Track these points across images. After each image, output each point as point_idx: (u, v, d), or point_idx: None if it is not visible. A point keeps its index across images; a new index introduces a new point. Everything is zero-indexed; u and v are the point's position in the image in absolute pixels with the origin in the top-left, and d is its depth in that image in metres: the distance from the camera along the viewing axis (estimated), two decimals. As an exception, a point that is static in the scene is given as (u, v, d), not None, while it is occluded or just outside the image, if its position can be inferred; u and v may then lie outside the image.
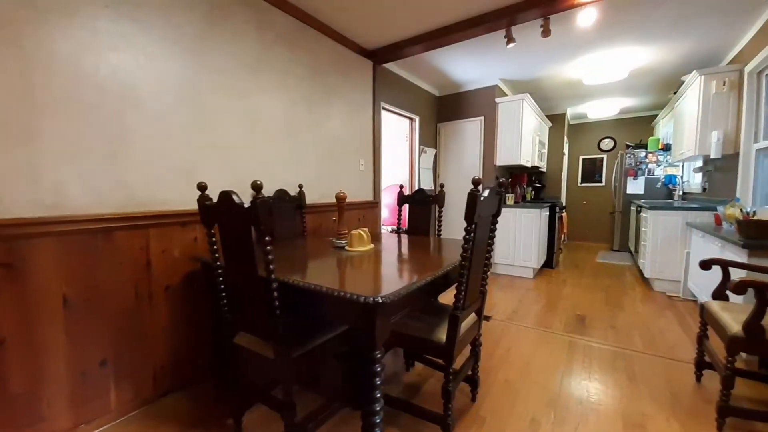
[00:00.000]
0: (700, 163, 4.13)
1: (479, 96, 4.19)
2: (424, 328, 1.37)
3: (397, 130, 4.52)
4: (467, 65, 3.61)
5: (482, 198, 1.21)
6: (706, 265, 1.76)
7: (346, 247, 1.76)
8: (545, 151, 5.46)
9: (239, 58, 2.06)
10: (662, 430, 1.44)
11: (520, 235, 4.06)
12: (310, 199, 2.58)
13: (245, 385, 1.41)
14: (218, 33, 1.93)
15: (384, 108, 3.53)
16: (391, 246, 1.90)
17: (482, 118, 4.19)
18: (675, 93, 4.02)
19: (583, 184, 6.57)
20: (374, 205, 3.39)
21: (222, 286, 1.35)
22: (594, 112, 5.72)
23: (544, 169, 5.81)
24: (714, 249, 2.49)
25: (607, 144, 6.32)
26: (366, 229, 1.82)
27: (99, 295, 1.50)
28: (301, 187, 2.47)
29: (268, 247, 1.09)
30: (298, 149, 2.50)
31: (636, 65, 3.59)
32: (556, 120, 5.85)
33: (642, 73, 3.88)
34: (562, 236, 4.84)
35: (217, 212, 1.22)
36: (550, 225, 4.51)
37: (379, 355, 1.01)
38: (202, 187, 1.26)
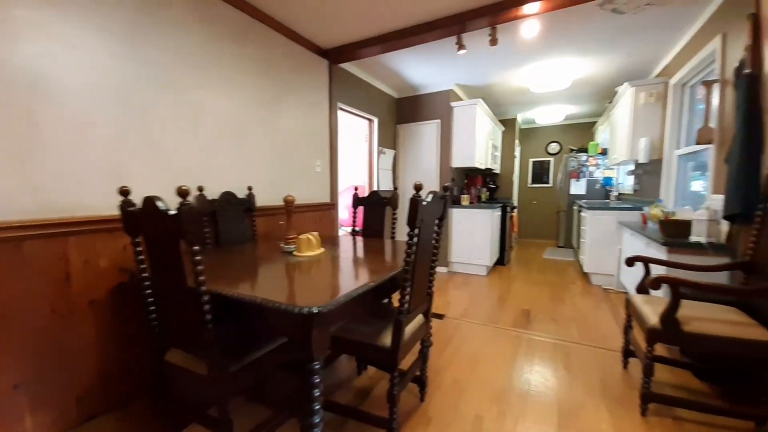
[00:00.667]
0: (631, 167, 4.56)
1: (436, 99, 4.29)
2: (370, 332, 1.36)
3: (356, 131, 4.49)
4: (424, 69, 3.67)
5: (425, 203, 1.22)
6: (630, 262, 1.93)
7: (294, 253, 1.71)
8: (498, 154, 5.72)
9: (179, 50, 1.92)
10: (593, 417, 1.56)
11: (474, 234, 4.22)
12: (261, 202, 2.48)
13: (180, 404, 1.32)
14: (153, 23, 1.78)
15: (341, 108, 3.49)
16: (341, 249, 1.88)
17: (439, 120, 4.29)
18: (610, 102, 4.39)
19: (533, 185, 6.98)
20: (331, 206, 3.34)
21: (150, 299, 1.25)
22: (542, 118, 6.09)
23: (498, 171, 6.09)
24: (640, 246, 2.76)
25: (553, 148, 6.77)
26: (316, 233, 1.78)
27: (8, 312, 1.32)
28: (250, 189, 2.36)
29: (197, 257, 1.02)
30: (248, 149, 2.39)
31: (577, 75, 3.86)
32: (508, 124, 6.15)
33: (583, 83, 4.19)
34: (513, 234, 5.11)
35: (141, 219, 1.12)
36: (502, 224, 4.74)
37: (317, 367, 0.99)
38: (124, 192, 1.16)
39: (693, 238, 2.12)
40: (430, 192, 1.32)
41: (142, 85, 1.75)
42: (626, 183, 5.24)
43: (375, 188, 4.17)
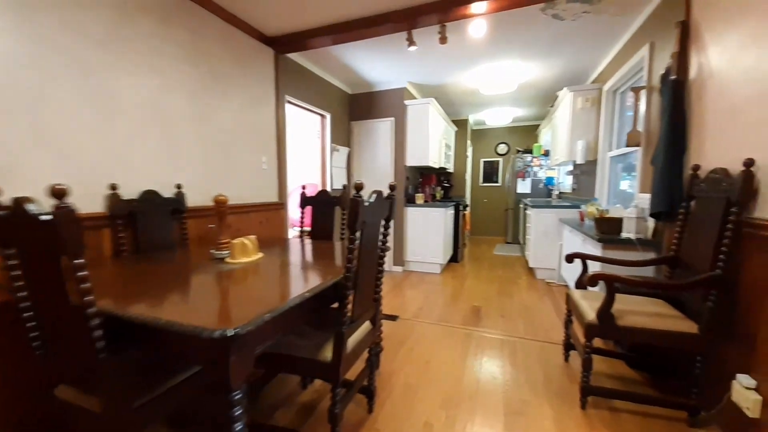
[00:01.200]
0: (570, 168, 4.88)
1: (390, 97, 4.23)
2: (309, 346, 1.24)
3: (308, 126, 4.29)
4: (377, 65, 3.58)
5: (367, 203, 1.13)
6: (569, 258, 2.01)
7: (227, 259, 1.52)
8: (451, 153, 5.83)
9: (83, 25, 1.62)
10: (537, 414, 1.58)
11: (429, 233, 4.23)
12: (194, 202, 2.21)
13: (76, 447, 1.09)
14: (43, -14, 1.48)
15: (290, 102, 3.28)
16: (283, 254, 1.72)
17: (393, 118, 4.23)
18: (552, 106, 4.66)
19: (484, 184, 7.25)
20: (279, 206, 3.12)
21: (31, 324, 1.01)
22: (491, 120, 6.32)
23: (452, 170, 6.22)
24: (579, 242, 2.93)
25: (502, 149, 7.08)
26: (253, 237, 1.60)
27: None
28: (179, 187, 2.10)
29: (81, 273, 0.82)
30: (178, 143, 2.11)
31: (523, 79, 4.03)
32: (460, 125, 6.30)
33: (528, 87, 4.38)
34: (466, 232, 5.24)
35: (11, 226, 0.89)
36: (456, 223, 4.83)
37: (238, 397, 0.84)
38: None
39: (624, 235, 2.27)
40: (374, 191, 1.22)
41: (35, 63, 1.44)
42: (566, 182, 5.62)
43: (329, 187, 4.00)
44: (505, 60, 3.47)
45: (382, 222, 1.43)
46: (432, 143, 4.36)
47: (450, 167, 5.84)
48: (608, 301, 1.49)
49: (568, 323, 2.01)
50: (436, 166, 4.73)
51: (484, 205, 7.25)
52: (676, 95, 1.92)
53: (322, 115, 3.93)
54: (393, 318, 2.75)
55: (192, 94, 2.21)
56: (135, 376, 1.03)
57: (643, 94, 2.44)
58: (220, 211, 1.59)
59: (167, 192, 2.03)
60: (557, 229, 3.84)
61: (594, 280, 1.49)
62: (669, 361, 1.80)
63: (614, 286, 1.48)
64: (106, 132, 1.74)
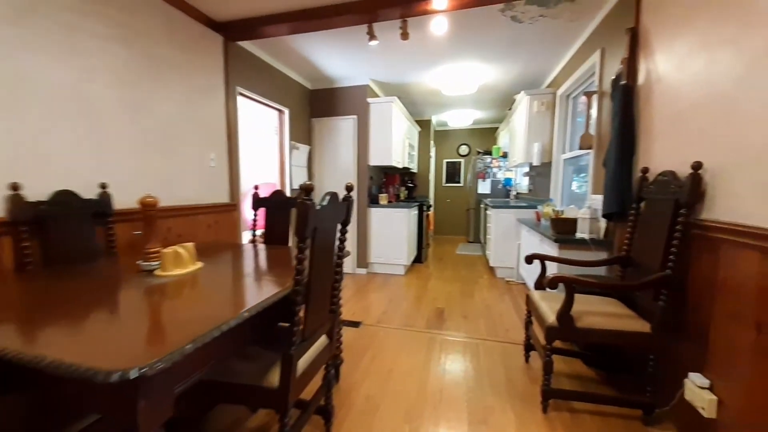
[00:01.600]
0: (527, 169, 5.06)
1: (352, 94, 4.09)
2: (253, 371, 1.08)
3: (265, 122, 4.03)
4: (339, 60, 3.43)
5: (318, 207, 1.00)
6: (528, 259, 2.01)
7: (157, 272, 1.31)
8: (415, 153, 5.82)
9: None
10: (500, 422, 1.54)
11: (393, 234, 4.16)
12: (125, 203, 1.93)
13: None
14: None
15: (243, 94, 3.03)
16: (228, 262, 1.53)
17: (356, 116, 4.10)
18: (510, 109, 4.79)
19: (447, 185, 7.35)
20: (231, 207, 2.87)
21: None
22: (453, 121, 6.41)
23: (415, 170, 6.22)
24: (536, 242, 3.00)
25: (463, 150, 7.22)
26: (190, 245, 1.40)
27: None
28: (105, 187, 1.81)
29: None
30: (102, 136, 1.82)
31: (482, 81, 4.08)
32: (423, 125, 6.32)
33: (487, 89, 4.46)
34: (430, 232, 5.24)
35: None
36: (419, 223, 4.81)
37: (151, 450, 0.68)
38: None
39: (579, 235, 2.33)
40: (327, 193, 1.09)
41: None
42: (523, 183, 5.83)
43: (288, 187, 3.78)
44: (465, 61, 3.48)
45: (339, 227, 1.30)
46: (395, 143, 4.29)
47: (414, 167, 5.83)
48: (567, 303, 1.49)
49: (528, 324, 2.02)
50: (400, 166, 4.68)
51: (447, 205, 7.35)
52: (625, 100, 1.99)
53: (279, 110, 3.70)
54: (355, 324, 2.63)
55: (123, 79, 1.92)
56: (18, 426, 0.82)
57: (595, 99, 2.53)
58: (147, 216, 1.37)
59: (90, 193, 1.75)
60: (516, 228, 3.94)
61: (554, 282, 1.48)
62: (623, 358, 1.86)
63: (573, 288, 1.47)
64: (13, 121, 1.44)
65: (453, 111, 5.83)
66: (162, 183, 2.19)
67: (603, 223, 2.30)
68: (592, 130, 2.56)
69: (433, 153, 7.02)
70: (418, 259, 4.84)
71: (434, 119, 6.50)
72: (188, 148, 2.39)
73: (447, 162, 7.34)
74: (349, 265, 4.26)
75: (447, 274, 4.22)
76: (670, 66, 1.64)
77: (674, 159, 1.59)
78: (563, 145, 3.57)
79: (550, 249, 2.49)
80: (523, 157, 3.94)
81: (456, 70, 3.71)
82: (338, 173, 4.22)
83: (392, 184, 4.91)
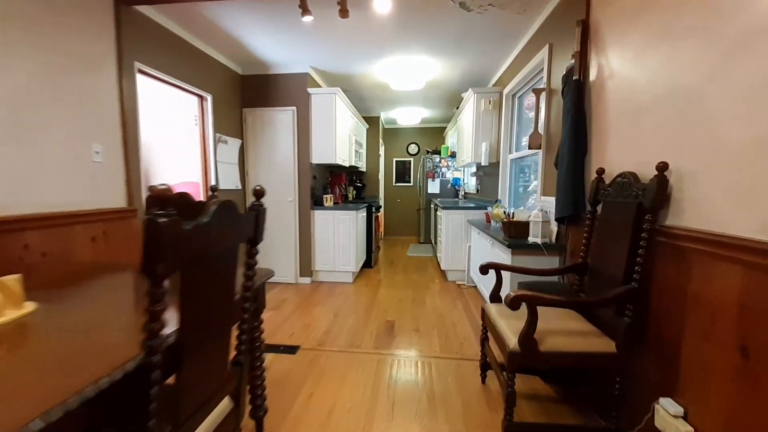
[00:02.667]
0: (474, 169, 5.04)
1: (290, 82, 3.65)
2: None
3: (187, 110, 3.45)
4: (272, 42, 2.99)
5: (189, 227, 0.64)
6: (483, 270, 1.82)
7: (-56, 324, 0.84)
8: (363, 151, 5.53)
9: None
10: (458, 466, 1.30)
11: (339, 238, 3.81)
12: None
13: None
14: None
15: (146, 73, 2.46)
16: (85, 301, 1.08)
17: (295, 108, 3.67)
18: (457, 108, 4.71)
19: (397, 184, 7.18)
20: (128, 214, 2.30)
21: None
22: (402, 119, 6.24)
23: (364, 169, 5.92)
24: (487, 245, 2.88)
25: (413, 149, 7.10)
26: (13, 277, 0.94)
27: None
28: None
29: None
30: None
31: (431, 76, 3.91)
32: (372, 122, 6.04)
33: (435, 86, 4.31)
34: (380, 233, 4.99)
35: None
36: (368, 225, 4.52)
37: None
38: None
39: (531, 239, 2.22)
40: (214, 201, 0.73)
41: None
42: (471, 183, 5.85)
43: (214, 183, 3.23)
44: (413, 54, 3.26)
45: (246, 246, 0.95)
46: (340, 139, 3.95)
47: (362, 166, 5.53)
48: (531, 325, 1.29)
49: (484, 341, 1.83)
50: (346, 164, 4.34)
51: (398, 205, 7.18)
52: (578, 96, 1.89)
53: (200, 96, 3.15)
54: (292, 350, 2.25)
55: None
56: None
57: (543, 97, 2.45)
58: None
59: None
60: (466, 230, 3.84)
61: (517, 302, 1.28)
62: (581, 373, 1.75)
63: (536, 308, 1.28)
64: None
65: (402, 108, 5.64)
66: (11, 184, 1.61)
67: (555, 227, 2.21)
68: (542, 129, 2.48)
69: (382, 152, 6.80)
70: (368, 264, 4.56)
71: (383, 116, 6.27)
72: (54, 138, 1.81)
73: (397, 161, 7.16)
74: (290, 274, 3.82)
75: (398, 280, 4.00)
76: (625, 59, 1.54)
77: (633, 159, 1.48)
78: (510, 145, 3.52)
79: (503, 254, 2.35)
80: (471, 157, 3.85)
81: (403, 63, 3.47)
82: (276, 172, 3.75)
83: (339, 183, 4.56)
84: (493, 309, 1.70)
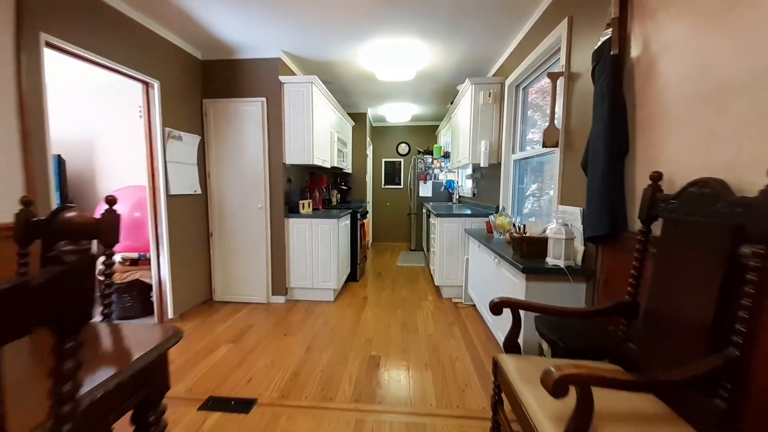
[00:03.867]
0: (470, 170, 4.59)
1: (259, 69, 3.13)
2: None
3: (128, 98, 2.92)
4: (235, 19, 2.47)
5: None
6: (496, 308, 1.34)
7: None
8: (348, 151, 5.03)
9: None
10: None
11: (317, 250, 3.31)
12: None
13: None
14: None
15: (57, 48, 1.92)
16: None
17: (264, 99, 3.15)
18: (452, 103, 4.26)
19: (387, 187, 6.69)
20: (32, 229, 1.75)
21: None
22: (392, 116, 5.76)
23: (350, 171, 5.42)
24: (489, 262, 2.41)
25: (403, 149, 6.63)
26: None
27: None
28: None
29: None
30: None
31: (421, 65, 3.45)
32: (358, 119, 5.55)
33: (426, 78, 3.84)
34: (366, 242, 4.50)
35: None
36: (353, 234, 4.02)
37: None
38: None
39: (550, 261, 1.75)
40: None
41: None
42: (466, 186, 5.40)
43: (162, 190, 2.70)
44: (401, 37, 2.78)
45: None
46: (319, 136, 3.44)
47: (347, 167, 5.03)
48: (583, 417, 0.82)
49: (496, 405, 1.35)
50: (327, 165, 3.84)
51: (387, 208, 6.70)
52: (617, 77, 1.43)
53: (145, 83, 2.61)
54: (246, 407, 1.73)
55: None
56: None
57: (561, 82, 2.00)
58: None
59: None
60: (462, 240, 3.37)
61: (564, 386, 0.80)
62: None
63: (592, 393, 0.81)
64: None
65: (391, 104, 5.16)
66: None
67: (580, 245, 1.75)
68: (559, 123, 2.02)
69: (370, 151, 6.31)
70: (353, 277, 4.06)
71: (370, 113, 5.78)
72: None
73: (386, 162, 6.68)
74: (261, 293, 3.30)
75: (386, 297, 3.51)
76: (692, 22, 1.08)
77: (713, 159, 1.03)
78: (513, 144, 3.07)
79: (513, 277, 1.89)
80: (468, 157, 3.39)
81: (391, 48, 2.99)
82: (243, 173, 3.23)
83: (319, 186, 4.04)
84: (511, 365, 1.22)
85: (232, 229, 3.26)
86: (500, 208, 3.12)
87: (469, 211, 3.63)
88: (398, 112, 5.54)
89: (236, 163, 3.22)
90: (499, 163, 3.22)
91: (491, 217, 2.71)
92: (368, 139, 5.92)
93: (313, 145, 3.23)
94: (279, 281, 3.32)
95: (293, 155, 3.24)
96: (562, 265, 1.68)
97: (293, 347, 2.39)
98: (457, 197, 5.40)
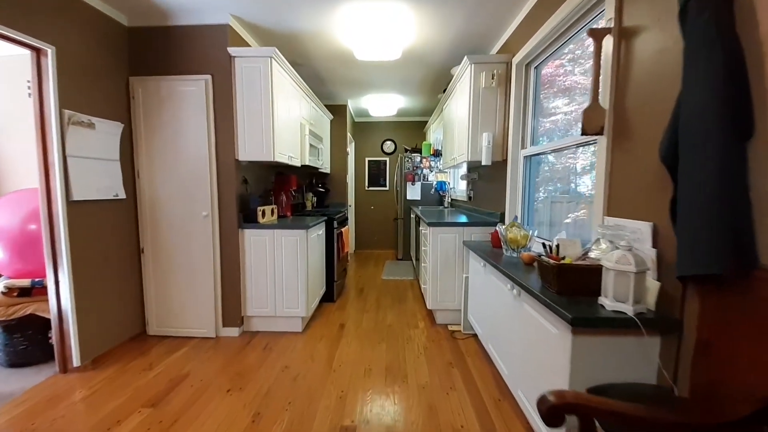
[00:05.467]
0: (465, 170, 4.01)
1: (202, 38, 2.45)
2: None
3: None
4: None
5: None
6: (556, 416, 0.73)
7: None
8: (324, 148, 4.36)
9: None
10: None
11: (281, 270, 2.64)
12: None
13: None
14: None
15: None
16: None
17: (209, 77, 2.47)
18: (444, 91, 3.66)
19: (371, 188, 6.06)
20: None
21: None
22: (375, 109, 5.15)
23: (328, 171, 4.76)
24: (502, 289, 1.80)
25: (389, 147, 6.01)
26: None
27: None
28: None
29: None
30: None
31: (409, 41, 2.83)
32: (337, 113, 4.90)
33: (415, 57, 3.24)
34: (345, 254, 3.84)
35: None
36: (329, 246, 3.37)
37: None
38: None
39: (608, 303, 1.16)
40: None
41: None
42: (458, 188, 4.84)
43: (59, 192, 1.98)
44: (383, 0, 2.17)
45: None
46: (285, 127, 2.78)
47: (323, 166, 4.37)
48: None
49: None
50: (297, 163, 3.18)
51: (371, 213, 6.06)
52: (730, 15, 0.85)
53: (34, 49, 1.89)
54: None
55: None
56: None
57: (608, 42, 1.41)
58: None
59: None
60: (461, 253, 2.77)
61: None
62: None
63: None
64: None
65: (374, 95, 4.54)
66: None
67: (652, 281, 1.16)
68: (605, 101, 1.44)
69: (351, 149, 5.67)
70: (329, 297, 3.40)
71: (351, 105, 5.14)
72: None
73: (370, 161, 6.05)
74: (207, 324, 2.60)
75: (368, 324, 2.87)
76: None
77: None
78: (524, 137, 2.50)
79: (546, 323, 1.29)
80: (466, 154, 2.79)
81: (371, 13, 2.37)
82: (184, 173, 2.53)
83: (287, 189, 3.36)
84: None
85: (170, 243, 2.56)
86: (513, 216, 2.53)
87: (465, 219, 3.04)
88: (382, 105, 4.92)
89: (174, 159, 2.52)
90: (504, 161, 2.65)
91: (500, 228, 2.12)
92: (349, 135, 5.28)
93: (274, 138, 2.57)
94: (231, 309, 2.63)
95: (249, 150, 2.57)
96: (631, 313, 1.09)
97: (236, 413, 1.72)
98: (449, 200, 4.82)
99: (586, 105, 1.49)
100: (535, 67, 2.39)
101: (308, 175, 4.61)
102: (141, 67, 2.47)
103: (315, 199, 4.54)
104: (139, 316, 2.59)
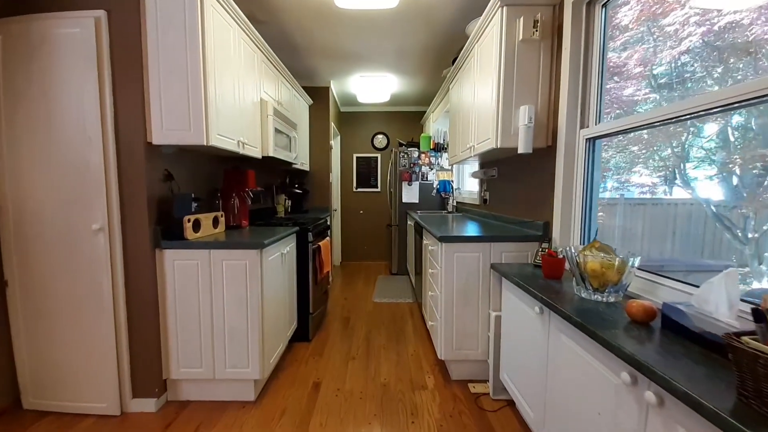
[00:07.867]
0: (477, 166, 3.20)
1: (94, -42, 1.56)
2: None
3: None
4: None
5: None
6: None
7: None
8: (298, 137, 3.47)
9: None
10: None
11: (220, 309, 1.76)
12: None
13: None
14: None
15: None
16: None
17: (102, 14, 1.58)
18: (454, 62, 2.83)
19: (359, 190, 5.20)
20: None
21: None
22: (364, 95, 4.31)
23: (307, 168, 3.89)
24: (587, 362, 0.97)
25: (380, 141, 5.17)
26: None
27: None
28: None
29: None
30: None
31: (413, -20, 2.00)
32: (318, 96, 4.03)
33: (416, 10, 2.41)
34: (326, 275, 2.96)
35: None
36: (301, 266, 2.49)
37: None
38: None
39: None
40: None
41: None
42: (465, 188, 4.04)
43: None
44: None
45: None
46: (233, 100, 1.90)
47: (301, 162, 3.49)
48: None
49: None
50: (257, 154, 2.31)
51: (360, 218, 5.21)
52: None
53: None
54: None
55: None
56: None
57: None
58: None
59: None
60: (484, 278, 1.94)
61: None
62: None
63: None
64: None
65: (363, 73, 3.70)
66: None
67: None
68: None
69: (337, 143, 4.81)
70: (303, 335, 2.52)
71: (335, 88, 4.28)
72: None
73: (358, 158, 5.19)
74: (108, 394, 1.70)
75: (354, 380, 2.00)
76: None
77: None
78: (584, 113, 1.69)
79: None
80: (493, 139, 1.95)
81: None
82: (62, 163, 1.63)
83: (241, 190, 2.45)
84: None
85: (48, 272, 1.65)
86: (564, 228, 1.71)
87: (479, 228, 2.21)
88: (373, 89, 4.09)
89: (50, 144, 1.62)
90: (549, 147, 1.84)
91: (567, 251, 1.29)
92: (334, 126, 4.42)
93: (207, 111, 1.69)
94: (146, 370, 1.73)
95: (169, 129, 1.68)
96: None
97: None
98: (453, 204, 4.00)
99: None
100: (603, 5, 1.59)
101: (281, 173, 3.73)
102: (-7, -3, 1.58)
103: (289, 203, 3.65)
104: (8, 381, 1.68)
